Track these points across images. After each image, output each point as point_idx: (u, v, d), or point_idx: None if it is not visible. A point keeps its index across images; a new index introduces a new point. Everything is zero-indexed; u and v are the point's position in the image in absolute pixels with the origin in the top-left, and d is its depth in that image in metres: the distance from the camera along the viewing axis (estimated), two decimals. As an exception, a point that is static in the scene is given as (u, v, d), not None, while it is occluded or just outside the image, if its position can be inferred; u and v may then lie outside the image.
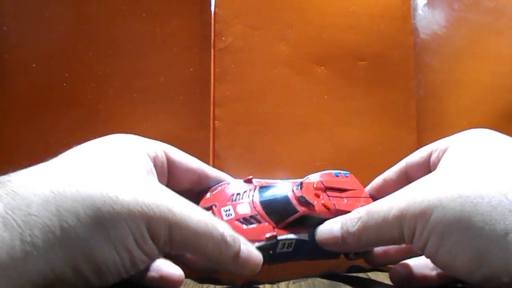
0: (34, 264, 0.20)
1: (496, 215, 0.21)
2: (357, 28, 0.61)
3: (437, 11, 0.62)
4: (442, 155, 0.30)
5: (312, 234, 0.30)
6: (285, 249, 0.30)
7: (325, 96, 0.59)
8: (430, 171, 0.33)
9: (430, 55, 0.62)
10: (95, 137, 0.32)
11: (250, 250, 0.27)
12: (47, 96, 0.55)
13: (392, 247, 0.32)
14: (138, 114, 0.56)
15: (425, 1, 0.63)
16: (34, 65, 0.55)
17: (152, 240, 0.23)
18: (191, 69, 0.58)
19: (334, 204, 0.32)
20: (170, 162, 0.30)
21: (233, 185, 0.33)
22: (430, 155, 0.32)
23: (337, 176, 0.35)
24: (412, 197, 0.25)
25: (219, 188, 0.33)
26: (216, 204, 0.31)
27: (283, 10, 0.60)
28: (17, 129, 0.54)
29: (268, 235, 0.28)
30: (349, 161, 0.52)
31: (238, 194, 0.31)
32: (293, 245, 0.30)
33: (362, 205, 0.32)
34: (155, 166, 0.28)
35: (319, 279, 0.31)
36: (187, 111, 0.57)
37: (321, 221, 0.31)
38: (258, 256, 0.27)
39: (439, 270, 0.29)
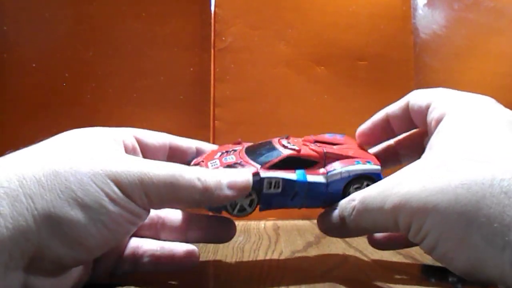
0: (6, 235, 0.19)
1: (494, 230, 0.21)
2: (357, 28, 0.61)
3: (437, 11, 0.62)
4: (437, 123, 0.28)
5: (301, 174, 0.29)
6: (272, 190, 0.28)
7: (325, 96, 0.59)
8: (413, 126, 0.32)
9: (430, 55, 0.62)
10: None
11: (233, 175, 0.26)
12: (47, 96, 0.55)
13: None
14: (138, 114, 0.56)
15: (425, 1, 0.63)
16: (34, 65, 0.55)
17: (128, 197, 0.22)
18: (191, 69, 0.58)
19: (323, 149, 0.30)
20: (141, 144, 0.30)
21: (222, 147, 0.33)
22: (423, 111, 0.30)
23: (331, 136, 0.34)
24: (409, 191, 0.24)
25: (209, 151, 0.32)
26: (204, 160, 0.30)
27: (283, 10, 0.60)
28: (17, 129, 0.54)
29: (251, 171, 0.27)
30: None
31: (226, 152, 0.31)
32: (280, 184, 0.28)
33: (359, 152, 0.32)
34: (125, 146, 0.28)
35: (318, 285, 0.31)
36: (187, 111, 0.57)
37: (309, 163, 0.29)
38: (244, 175, 0.26)
39: None
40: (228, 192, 0.25)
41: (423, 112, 0.30)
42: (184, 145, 0.32)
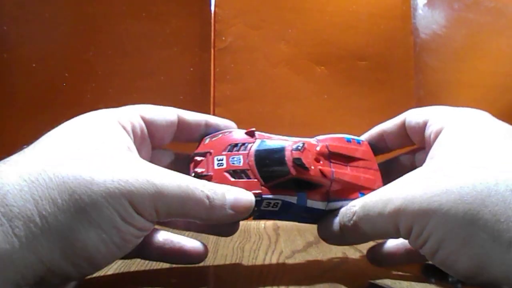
0: (20, 257, 0.19)
1: (500, 226, 0.20)
2: (357, 28, 0.61)
3: (437, 11, 0.62)
4: (436, 136, 0.28)
5: (302, 198, 0.29)
6: (270, 208, 0.29)
7: (325, 96, 0.59)
8: (408, 143, 0.33)
9: (430, 55, 0.62)
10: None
11: (237, 196, 0.26)
12: (47, 96, 0.55)
13: (397, 249, 0.32)
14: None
15: (425, 1, 0.63)
16: (34, 65, 0.55)
17: (139, 214, 0.23)
18: (191, 69, 0.58)
19: (332, 172, 0.30)
20: (148, 124, 0.29)
21: (234, 134, 0.31)
22: (421, 128, 0.30)
23: (348, 141, 0.33)
24: (410, 194, 0.24)
25: (220, 135, 0.31)
26: (211, 151, 0.30)
27: (283, 10, 0.60)
28: (17, 129, 0.54)
29: (252, 192, 0.27)
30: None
31: (235, 145, 0.30)
32: (279, 205, 0.29)
33: (369, 178, 0.31)
34: (133, 133, 0.28)
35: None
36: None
37: (314, 186, 0.29)
38: (246, 197, 0.27)
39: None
40: (230, 212, 0.26)
41: (421, 128, 0.30)
42: (193, 121, 0.32)
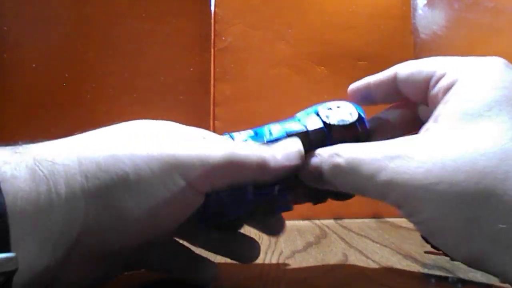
0: (59, 213, 0.19)
1: (500, 228, 0.20)
2: (357, 28, 0.61)
3: (437, 11, 0.62)
4: (445, 91, 0.23)
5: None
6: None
7: (325, 96, 0.59)
8: (398, 98, 0.29)
9: (430, 55, 0.62)
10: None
11: (283, 146, 0.25)
12: (47, 96, 0.55)
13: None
14: (138, 114, 0.55)
15: (425, 1, 0.63)
16: (34, 65, 0.55)
17: (186, 182, 0.21)
18: (191, 69, 0.58)
19: None
20: None
21: None
22: (428, 82, 0.26)
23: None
24: (409, 170, 0.21)
25: None
26: None
27: (283, 10, 0.60)
28: (17, 129, 0.54)
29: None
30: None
31: None
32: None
33: None
34: None
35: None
36: (187, 110, 0.57)
37: None
38: (293, 142, 0.25)
39: None
40: (282, 164, 0.24)
41: (421, 84, 0.26)
42: None
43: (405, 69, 0.29)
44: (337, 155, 0.24)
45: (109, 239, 0.21)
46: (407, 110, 0.30)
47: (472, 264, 0.21)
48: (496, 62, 0.23)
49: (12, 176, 0.18)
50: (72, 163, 0.20)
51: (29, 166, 0.19)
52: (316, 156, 0.25)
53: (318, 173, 0.25)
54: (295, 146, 0.25)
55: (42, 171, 0.19)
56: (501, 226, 0.19)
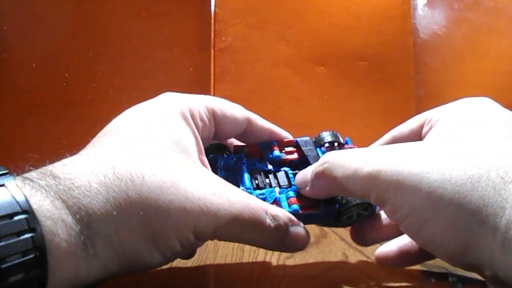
0: (94, 269, 0.21)
1: (489, 210, 0.20)
2: (357, 28, 0.61)
3: (437, 11, 0.62)
4: (431, 128, 0.27)
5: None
6: None
7: (325, 96, 0.59)
8: None
9: (430, 55, 0.62)
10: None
11: (297, 231, 0.26)
12: (47, 96, 0.55)
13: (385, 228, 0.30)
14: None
15: (425, 1, 0.63)
16: (34, 65, 0.55)
17: (197, 238, 0.23)
18: (191, 69, 0.58)
19: None
20: (218, 119, 0.29)
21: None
22: (421, 127, 0.29)
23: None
24: (399, 163, 0.22)
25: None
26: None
27: (283, 10, 0.60)
28: (17, 129, 0.54)
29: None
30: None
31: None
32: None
33: None
34: (202, 129, 0.27)
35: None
36: (187, 111, 0.57)
37: None
38: (304, 234, 0.26)
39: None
40: (284, 248, 0.26)
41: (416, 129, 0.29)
42: (260, 128, 0.31)
43: (403, 125, 0.31)
44: (325, 160, 0.25)
45: (129, 273, 0.23)
46: None
47: (459, 256, 0.22)
48: (476, 102, 0.27)
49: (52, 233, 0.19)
50: (109, 227, 0.21)
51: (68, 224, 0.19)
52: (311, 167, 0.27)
53: (306, 183, 0.26)
54: (304, 239, 0.26)
55: (81, 232, 0.20)
56: (489, 207, 0.20)
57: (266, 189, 0.29)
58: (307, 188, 0.27)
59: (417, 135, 0.30)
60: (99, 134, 0.25)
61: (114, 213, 0.21)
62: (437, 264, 0.32)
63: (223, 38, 0.58)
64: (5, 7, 0.55)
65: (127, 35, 0.57)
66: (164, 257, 0.23)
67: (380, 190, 0.22)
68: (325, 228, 0.47)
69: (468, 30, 0.61)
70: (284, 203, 0.28)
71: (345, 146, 0.33)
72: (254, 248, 0.39)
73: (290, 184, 0.29)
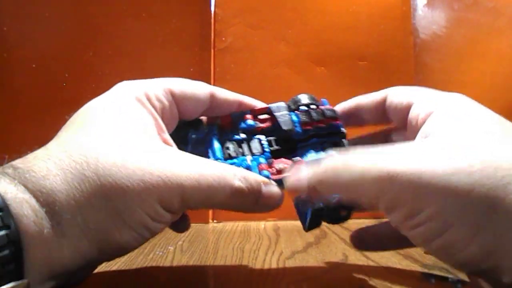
0: (65, 249, 0.21)
1: (504, 214, 0.19)
2: (357, 28, 0.61)
3: (437, 11, 0.62)
4: (425, 118, 0.25)
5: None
6: None
7: (325, 96, 0.59)
8: (385, 120, 0.31)
9: (430, 55, 0.62)
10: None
11: (270, 189, 0.26)
12: (47, 96, 0.55)
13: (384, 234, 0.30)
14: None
15: (425, 1, 0.63)
16: (34, 65, 0.55)
17: (166, 210, 0.23)
18: (191, 69, 0.58)
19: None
20: (178, 99, 0.28)
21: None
22: (384, 100, 0.30)
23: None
24: (416, 165, 0.20)
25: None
26: None
27: (283, 10, 0.60)
28: (16, 129, 0.54)
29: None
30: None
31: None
32: None
33: None
34: (162, 111, 0.27)
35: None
36: (187, 111, 0.57)
37: None
38: (278, 191, 0.26)
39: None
40: (258, 209, 0.26)
41: (403, 109, 0.28)
42: (225, 101, 0.30)
43: (394, 93, 0.31)
44: (327, 164, 0.23)
45: (107, 257, 0.24)
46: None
47: (479, 262, 0.20)
48: (460, 98, 0.26)
49: (19, 215, 0.19)
50: (72, 207, 0.21)
51: (32, 206, 0.20)
52: (307, 164, 0.25)
53: (302, 189, 0.25)
54: (278, 196, 0.26)
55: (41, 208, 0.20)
56: None
57: (238, 158, 0.28)
58: (302, 195, 0.26)
59: (380, 107, 0.31)
60: (58, 132, 0.26)
61: (74, 192, 0.21)
62: (437, 264, 0.32)
63: (223, 38, 0.58)
64: (5, 7, 0.55)
65: (127, 35, 0.57)
66: (137, 233, 0.23)
67: (394, 194, 0.21)
68: (325, 228, 0.48)
69: (468, 30, 0.61)
70: (255, 169, 0.27)
71: (322, 107, 0.33)
72: (254, 248, 0.39)
73: (263, 151, 0.28)
